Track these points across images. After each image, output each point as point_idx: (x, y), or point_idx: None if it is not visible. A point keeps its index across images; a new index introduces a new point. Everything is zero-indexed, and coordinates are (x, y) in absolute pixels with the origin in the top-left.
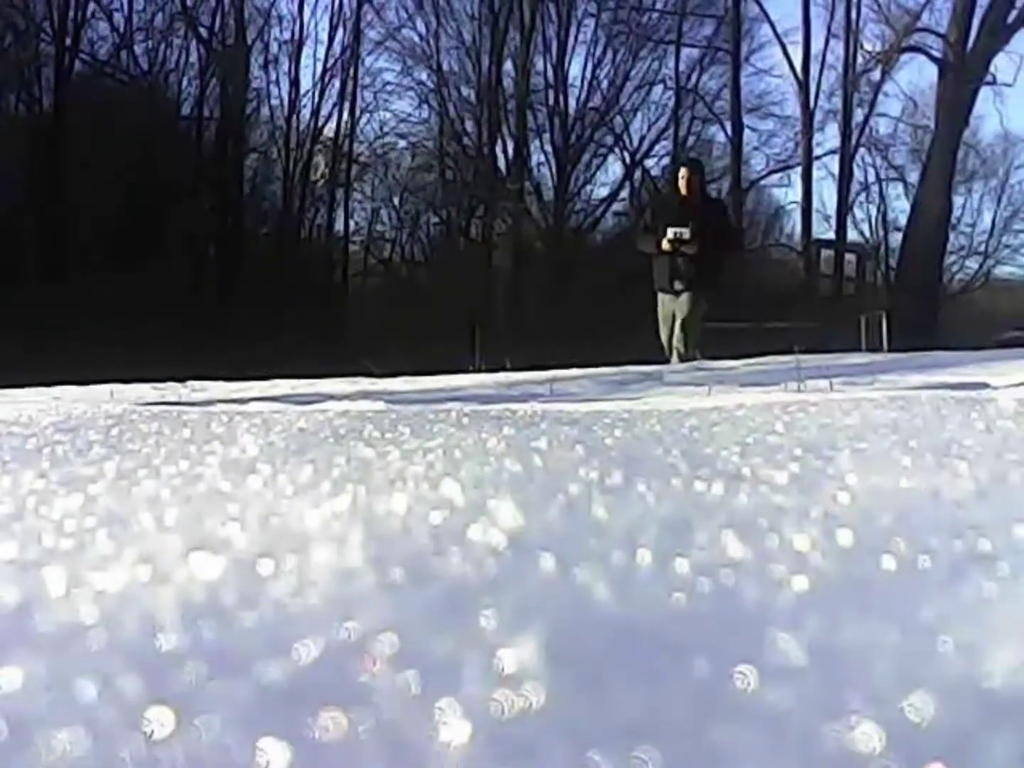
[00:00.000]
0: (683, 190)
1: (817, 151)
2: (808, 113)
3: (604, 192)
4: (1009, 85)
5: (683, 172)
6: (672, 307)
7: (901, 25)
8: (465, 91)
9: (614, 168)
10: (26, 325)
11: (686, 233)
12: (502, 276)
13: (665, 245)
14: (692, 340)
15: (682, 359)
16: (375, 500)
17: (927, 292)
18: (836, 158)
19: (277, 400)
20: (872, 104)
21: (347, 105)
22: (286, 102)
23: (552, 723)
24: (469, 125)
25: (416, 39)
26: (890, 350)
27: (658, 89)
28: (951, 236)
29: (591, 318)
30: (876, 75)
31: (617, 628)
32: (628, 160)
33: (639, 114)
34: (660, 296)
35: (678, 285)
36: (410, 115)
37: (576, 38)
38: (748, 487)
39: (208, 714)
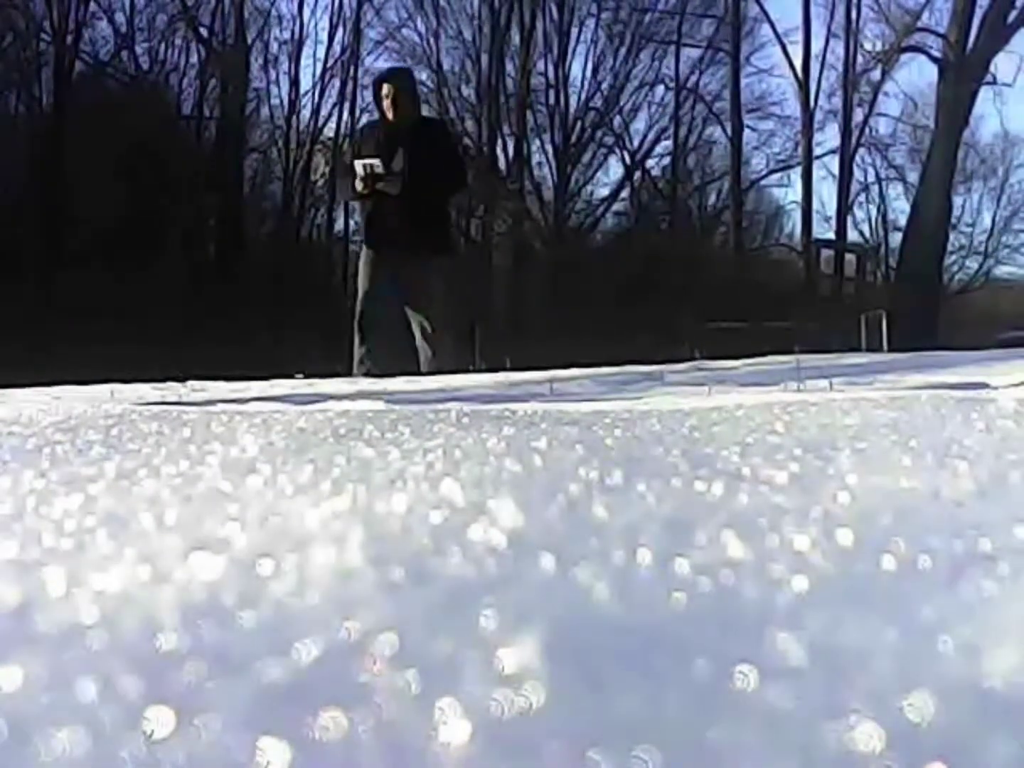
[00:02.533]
0: (388, 112)
1: (817, 151)
2: (808, 113)
3: (604, 192)
4: (1009, 85)
5: (386, 89)
6: (383, 276)
7: (901, 25)
8: (465, 91)
9: (614, 168)
10: (26, 324)
11: (378, 165)
12: (502, 276)
13: (358, 185)
14: (446, 341)
15: (433, 364)
16: (375, 500)
17: (927, 292)
18: (836, 158)
19: (277, 400)
20: (872, 104)
21: (347, 105)
22: (286, 102)
23: (552, 723)
24: (469, 125)
25: (416, 39)
26: (890, 350)
27: (658, 89)
28: (951, 236)
29: (591, 318)
30: (876, 75)
31: (617, 628)
32: (628, 160)
33: (639, 114)
34: (364, 255)
35: (390, 245)
36: None
37: (577, 38)
38: (748, 487)
39: (208, 714)
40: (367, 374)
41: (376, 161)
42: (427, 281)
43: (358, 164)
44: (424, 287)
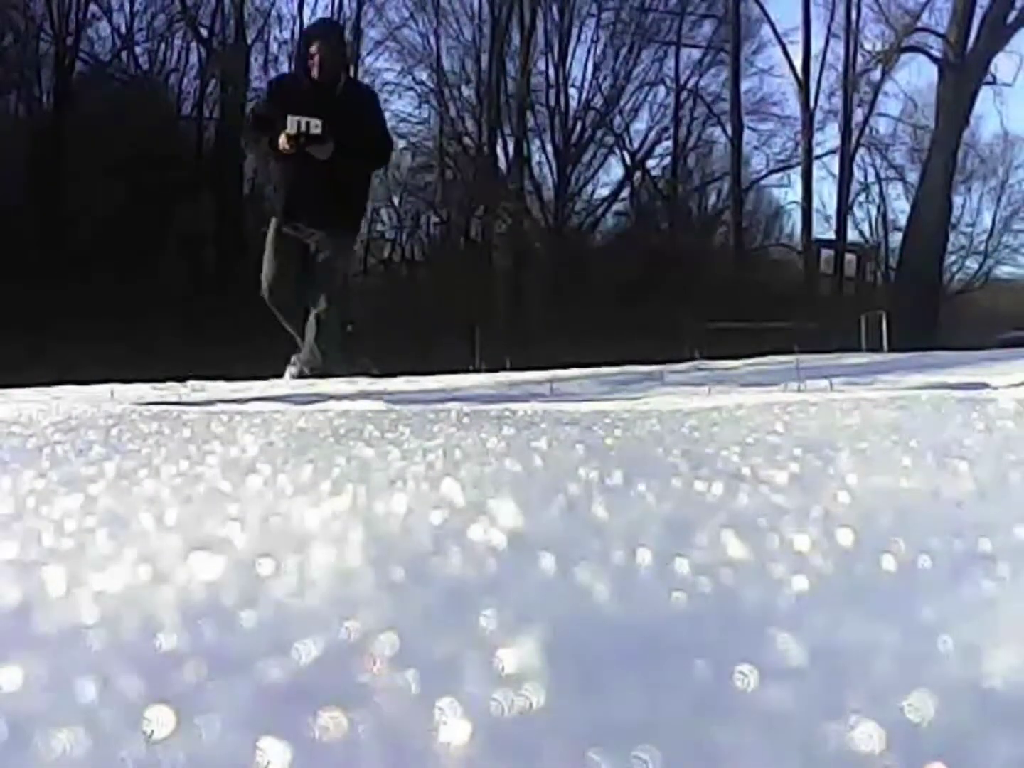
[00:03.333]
0: (314, 71)
1: (817, 151)
2: (808, 113)
3: (605, 192)
4: (1009, 85)
5: (315, 46)
6: (293, 254)
7: (901, 25)
8: (465, 91)
9: (615, 168)
10: (26, 325)
11: (315, 125)
12: (502, 276)
13: (283, 143)
14: (332, 322)
15: (317, 358)
16: (375, 500)
17: (927, 292)
18: (836, 158)
19: (277, 400)
20: (872, 104)
21: None
22: None
23: (552, 723)
24: (469, 125)
25: (416, 39)
26: (890, 350)
27: (659, 89)
28: (951, 236)
29: (591, 318)
30: (876, 75)
31: (617, 628)
32: (628, 160)
33: (640, 114)
34: (275, 227)
35: (305, 217)
36: (410, 115)
37: (577, 38)
38: (748, 487)
39: (208, 714)
40: (305, 372)
41: (316, 121)
42: (334, 258)
43: (291, 120)
44: (329, 263)
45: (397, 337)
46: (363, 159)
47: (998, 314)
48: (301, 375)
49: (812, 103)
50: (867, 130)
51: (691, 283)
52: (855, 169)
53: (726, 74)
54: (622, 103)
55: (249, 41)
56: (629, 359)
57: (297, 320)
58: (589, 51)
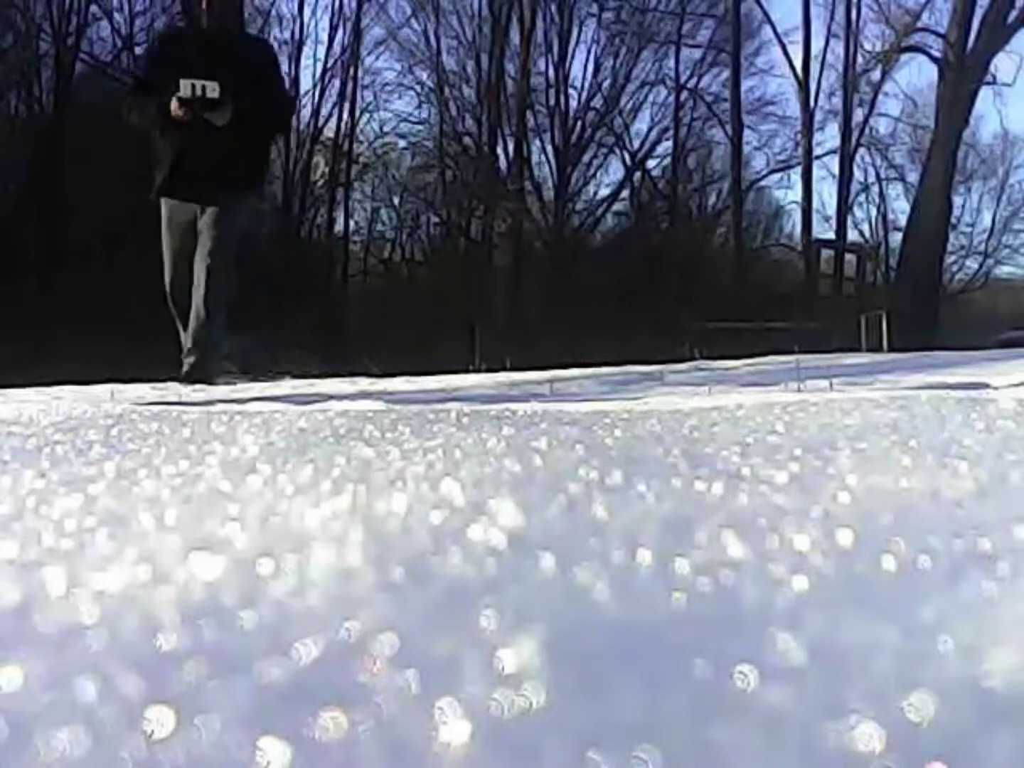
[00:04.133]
0: (202, 20)
1: (817, 151)
2: (808, 113)
3: (605, 192)
4: (1009, 85)
5: None
6: (186, 224)
7: (901, 25)
8: (466, 91)
9: (615, 168)
10: (26, 325)
11: (212, 88)
12: (502, 276)
13: (175, 108)
14: (218, 295)
15: (201, 341)
16: (375, 500)
17: (927, 292)
18: (836, 158)
19: (277, 400)
20: (872, 104)
21: (347, 105)
22: None
23: (552, 723)
24: (469, 125)
25: (416, 39)
26: (890, 350)
27: (659, 89)
28: (951, 236)
29: (591, 318)
30: (876, 75)
31: (617, 628)
32: (629, 160)
33: (640, 114)
34: (167, 210)
35: (194, 193)
36: (410, 115)
37: (577, 38)
38: (748, 487)
39: (208, 714)
40: (188, 376)
41: (213, 84)
42: (228, 219)
43: (185, 83)
44: (216, 222)
45: (397, 337)
46: (262, 123)
47: (998, 314)
48: (189, 378)
49: (812, 103)
50: (867, 130)
51: (691, 283)
52: (855, 169)
53: (726, 74)
54: (622, 103)
55: None
56: (629, 359)
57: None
58: (589, 51)
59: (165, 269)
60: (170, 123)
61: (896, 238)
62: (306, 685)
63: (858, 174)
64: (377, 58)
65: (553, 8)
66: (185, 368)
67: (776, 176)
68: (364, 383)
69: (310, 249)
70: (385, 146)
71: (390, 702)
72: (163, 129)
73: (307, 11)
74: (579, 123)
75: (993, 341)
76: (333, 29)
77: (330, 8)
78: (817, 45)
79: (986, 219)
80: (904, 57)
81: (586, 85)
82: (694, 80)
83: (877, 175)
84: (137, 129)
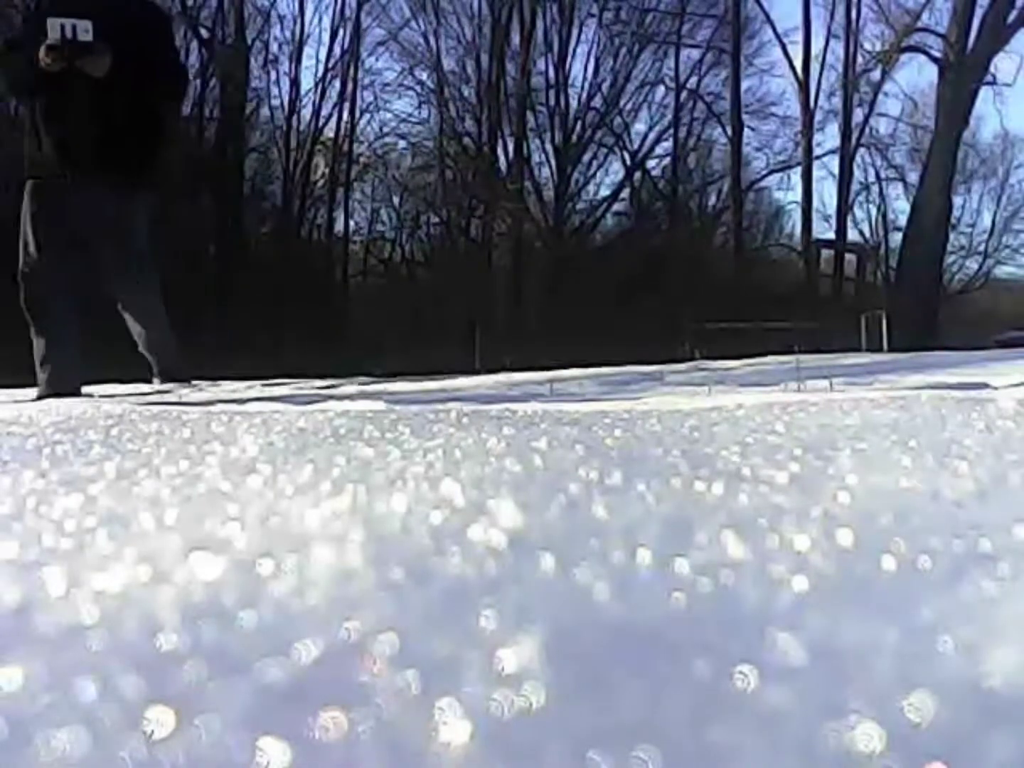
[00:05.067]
0: None
1: (817, 151)
2: (808, 113)
3: (605, 192)
4: (1009, 85)
5: None
6: (60, 226)
7: (901, 25)
8: (465, 91)
9: (615, 168)
10: (26, 325)
11: (84, 29)
12: (502, 276)
13: (43, 55)
14: (153, 305)
15: (155, 349)
16: (375, 500)
17: (927, 292)
18: (836, 158)
19: (277, 400)
20: (872, 104)
21: (347, 105)
22: (286, 102)
23: (552, 723)
24: (469, 125)
25: (416, 39)
26: (890, 350)
27: (659, 89)
28: (951, 236)
29: (591, 318)
30: (876, 75)
31: (617, 628)
32: (628, 160)
33: (640, 114)
34: (31, 191)
35: (72, 166)
36: (410, 115)
37: (577, 38)
38: (748, 487)
39: (208, 714)
40: (50, 390)
41: (85, 23)
42: (129, 228)
43: (52, 23)
44: (124, 238)
45: (397, 337)
46: (151, 87)
47: (998, 314)
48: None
49: (812, 103)
50: (867, 130)
51: (691, 283)
52: (855, 169)
53: (726, 74)
54: (622, 103)
55: (249, 41)
56: (629, 359)
57: (51, 320)
58: (589, 51)
59: (22, 271)
60: (44, 81)
61: (896, 238)
62: (306, 685)
63: (858, 174)
64: (377, 59)
65: (553, 8)
66: (157, 375)
67: (776, 176)
68: (364, 383)
69: (310, 249)
70: (385, 146)
71: (390, 702)
72: (34, 90)
73: (308, 11)
74: (579, 123)
75: (993, 341)
76: (334, 30)
77: (330, 8)
78: (817, 45)
79: (986, 219)
80: (904, 57)
81: (586, 85)
82: (694, 80)
83: (877, 175)
84: (6, 95)
